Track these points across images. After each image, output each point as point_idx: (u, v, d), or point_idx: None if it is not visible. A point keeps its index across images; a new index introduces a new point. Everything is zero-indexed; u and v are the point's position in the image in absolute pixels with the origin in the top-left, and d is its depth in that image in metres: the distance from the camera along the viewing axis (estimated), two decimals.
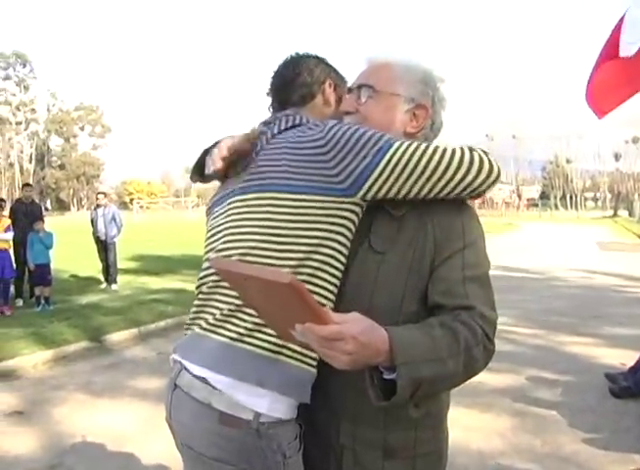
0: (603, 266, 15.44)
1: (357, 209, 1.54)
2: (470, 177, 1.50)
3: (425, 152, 1.47)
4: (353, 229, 1.56)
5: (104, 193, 13.49)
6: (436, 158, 1.47)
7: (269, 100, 1.89)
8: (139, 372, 6.30)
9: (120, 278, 12.50)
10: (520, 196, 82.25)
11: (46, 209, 55.24)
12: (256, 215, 1.56)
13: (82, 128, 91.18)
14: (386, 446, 1.55)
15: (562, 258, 18.06)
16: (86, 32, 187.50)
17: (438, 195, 1.50)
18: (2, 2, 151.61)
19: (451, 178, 1.48)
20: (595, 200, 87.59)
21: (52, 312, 9.22)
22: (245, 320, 1.52)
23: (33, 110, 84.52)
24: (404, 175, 1.47)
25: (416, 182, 1.48)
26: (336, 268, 1.54)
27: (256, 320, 1.50)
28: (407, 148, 1.47)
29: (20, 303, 10.17)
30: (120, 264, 13.25)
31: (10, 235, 9.63)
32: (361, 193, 1.50)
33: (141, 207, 76.73)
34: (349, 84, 1.74)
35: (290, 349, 1.51)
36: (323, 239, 1.52)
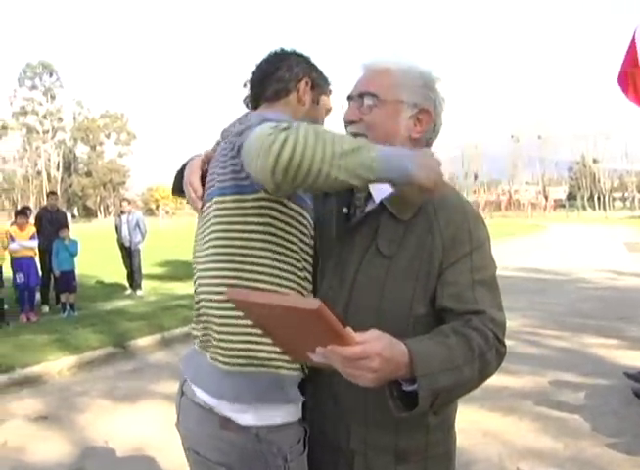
0: (631, 268, 15.24)
1: (271, 203, 1.54)
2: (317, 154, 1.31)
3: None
4: (282, 220, 1.56)
5: (128, 200, 13.64)
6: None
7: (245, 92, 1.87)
8: (162, 377, 6.34)
9: (146, 284, 12.62)
10: (546, 197, 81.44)
11: (73, 216, 55.99)
12: (210, 221, 1.63)
13: (108, 136, 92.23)
14: (397, 451, 1.55)
15: (589, 259, 17.82)
16: (110, 41, 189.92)
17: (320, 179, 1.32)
18: (29, 13, 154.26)
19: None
20: (623, 200, 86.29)
21: (77, 319, 9.34)
22: (214, 338, 1.60)
23: (60, 118, 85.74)
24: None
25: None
26: (281, 261, 1.56)
27: (223, 337, 1.57)
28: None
29: (45, 309, 10.31)
30: (146, 270, 13.37)
31: (35, 243, 9.78)
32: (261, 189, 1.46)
33: (167, 213, 77.39)
34: (351, 92, 1.68)
35: (258, 358, 1.54)
36: (254, 232, 1.54)
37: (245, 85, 1.86)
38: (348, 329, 1.22)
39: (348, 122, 1.64)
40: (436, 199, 1.55)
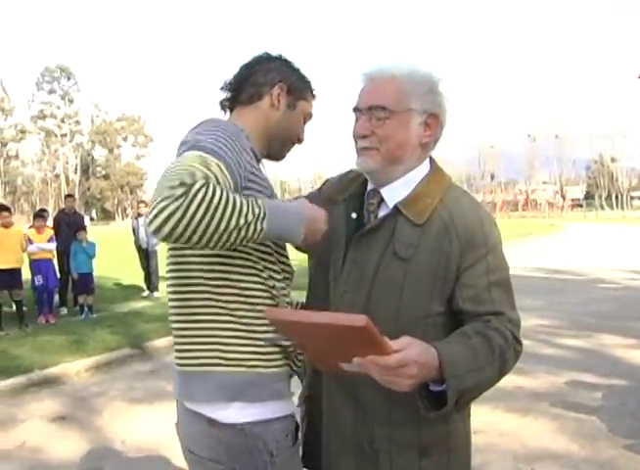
0: None
1: None
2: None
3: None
4: None
5: (145, 202, 13.71)
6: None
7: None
8: None
9: (162, 286, 12.68)
10: (564, 196, 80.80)
11: (91, 218, 56.38)
12: None
13: (125, 139, 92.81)
14: (420, 445, 1.59)
15: (607, 258, 17.67)
16: (126, 44, 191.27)
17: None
18: (46, 18, 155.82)
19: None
20: None
21: (95, 320, 9.42)
22: (176, 343, 1.71)
23: (78, 122, 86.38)
24: None
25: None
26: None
27: (180, 341, 1.68)
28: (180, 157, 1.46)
29: (64, 311, 10.41)
30: (163, 272, 13.43)
31: (53, 245, 9.87)
32: None
33: None
34: (357, 104, 1.66)
35: (227, 358, 1.60)
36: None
37: (222, 88, 1.84)
38: (385, 338, 1.28)
39: (360, 137, 1.63)
40: (451, 202, 1.59)
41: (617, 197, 77.45)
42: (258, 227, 1.42)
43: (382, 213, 1.65)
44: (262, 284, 1.63)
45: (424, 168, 1.67)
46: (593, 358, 6.67)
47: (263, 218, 1.43)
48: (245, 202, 1.41)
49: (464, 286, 1.54)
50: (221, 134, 1.54)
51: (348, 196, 1.75)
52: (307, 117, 1.88)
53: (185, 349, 1.67)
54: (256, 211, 1.42)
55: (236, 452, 1.61)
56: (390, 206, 1.62)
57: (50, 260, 9.93)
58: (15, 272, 9.13)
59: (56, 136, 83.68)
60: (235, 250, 1.57)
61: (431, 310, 1.55)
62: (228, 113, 1.83)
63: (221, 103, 1.84)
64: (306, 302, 1.82)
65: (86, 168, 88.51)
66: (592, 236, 29.43)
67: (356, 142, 1.65)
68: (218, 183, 1.41)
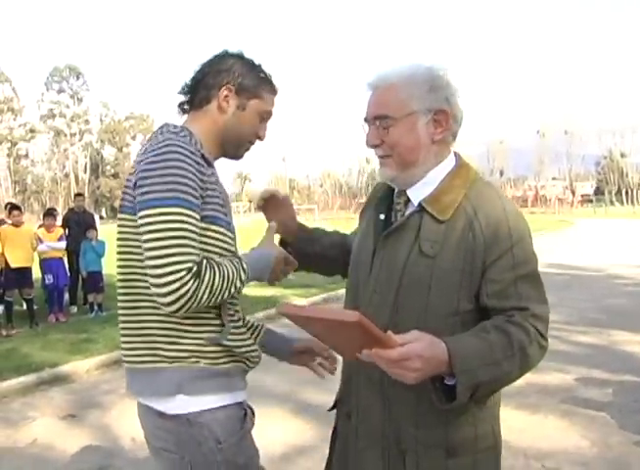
0: None
1: None
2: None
3: (157, 237, 1.57)
4: None
5: None
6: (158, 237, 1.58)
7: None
8: None
9: None
10: (573, 192, 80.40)
11: (101, 217, 56.60)
12: (116, 236, 1.79)
13: (134, 137, 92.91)
14: (448, 446, 1.58)
15: (617, 254, 17.56)
16: (134, 43, 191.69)
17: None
18: (55, 18, 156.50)
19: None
20: None
21: (105, 318, 9.44)
22: (123, 342, 1.79)
23: (87, 121, 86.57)
24: (142, 237, 1.61)
25: (143, 244, 1.61)
26: None
27: (126, 340, 1.77)
28: (154, 219, 1.58)
29: (74, 309, 10.46)
30: None
31: (63, 244, 9.92)
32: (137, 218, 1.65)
33: None
34: (365, 115, 1.68)
35: (167, 357, 1.69)
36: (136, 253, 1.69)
37: (179, 92, 1.88)
38: (389, 333, 1.33)
39: (371, 147, 1.67)
40: (475, 196, 1.59)
41: (626, 192, 76.98)
42: (243, 286, 1.70)
43: (409, 211, 1.66)
44: None
45: (447, 165, 1.67)
46: (603, 354, 6.64)
47: (246, 278, 1.70)
48: (234, 270, 1.66)
49: (490, 281, 1.53)
50: (174, 170, 1.60)
51: (377, 199, 1.80)
52: (264, 114, 1.87)
53: (130, 347, 1.75)
54: (243, 276, 1.69)
55: (184, 442, 1.69)
56: (416, 204, 1.64)
57: (60, 259, 9.98)
58: (25, 271, 9.18)
59: (65, 135, 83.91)
60: None
61: (458, 308, 1.55)
62: (185, 116, 1.88)
63: (179, 106, 1.88)
64: (344, 304, 1.84)
65: (95, 167, 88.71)
66: (602, 232, 29.25)
67: (374, 151, 1.69)
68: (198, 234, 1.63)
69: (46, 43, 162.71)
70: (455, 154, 1.71)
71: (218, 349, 1.72)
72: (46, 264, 9.77)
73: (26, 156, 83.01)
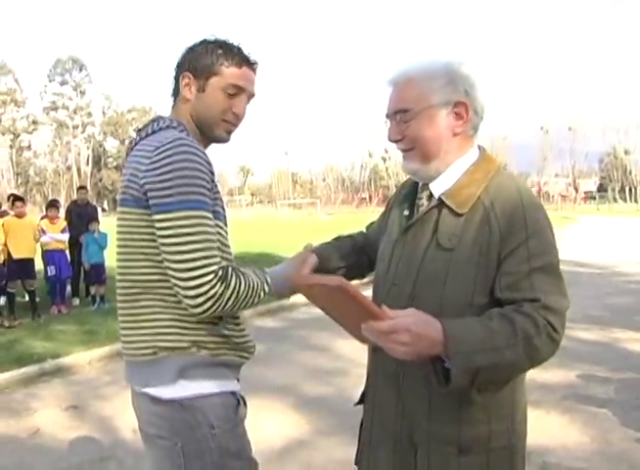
0: None
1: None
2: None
3: (179, 241, 1.59)
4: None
5: None
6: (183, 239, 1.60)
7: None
8: None
9: None
10: (576, 189, 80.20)
11: (103, 209, 56.59)
12: (116, 229, 1.79)
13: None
14: (460, 442, 1.58)
15: (620, 252, 17.52)
16: (136, 35, 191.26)
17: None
18: (58, 9, 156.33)
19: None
20: None
21: (107, 310, 9.45)
22: (123, 335, 1.81)
23: (90, 113, 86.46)
24: (163, 240, 1.62)
25: (166, 247, 1.61)
26: None
27: (127, 332, 1.78)
28: (177, 223, 1.60)
29: (76, 301, 10.46)
30: None
31: (66, 236, 9.91)
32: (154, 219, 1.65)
33: None
34: (386, 111, 1.70)
35: (167, 347, 1.71)
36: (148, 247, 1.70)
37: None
38: (383, 307, 1.39)
39: (394, 142, 1.69)
40: (494, 189, 1.60)
41: (630, 190, 76.77)
42: (266, 289, 1.75)
43: (430, 205, 1.67)
44: None
45: (469, 158, 1.68)
46: (605, 352, 6.64)
47: (269, 289, 1.75)
48: (258, 281, 1.71)
49: (504, 274, 1.53)
50: (192, 171, 1.62)
51: (403, 195, 1.82)
52: (228, 89, 1.80)
53: (130, 340, 1.77)
54: (266, 288, 1.74)
55: (178, 427, 1.70)
56: (436, 196, 1.65)
57: (63, 251, 9.98)
58: (28, 262, 9.18)
59: (68, 127, 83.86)
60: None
61: (473, 302, 1.55)
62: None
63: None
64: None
65: (98, 160, 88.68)
66: (605, 229, 29.18)
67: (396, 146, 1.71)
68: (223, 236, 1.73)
69: (49, 35, 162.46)
70: (479, 147, 1.72)
71: (217, 339, 1.75)
72: (49, 256, 9.77)
73: (29, 147, 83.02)
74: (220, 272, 1.60)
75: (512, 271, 1.52)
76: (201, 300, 1.57)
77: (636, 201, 70.81)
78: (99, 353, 6.98)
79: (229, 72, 1.79)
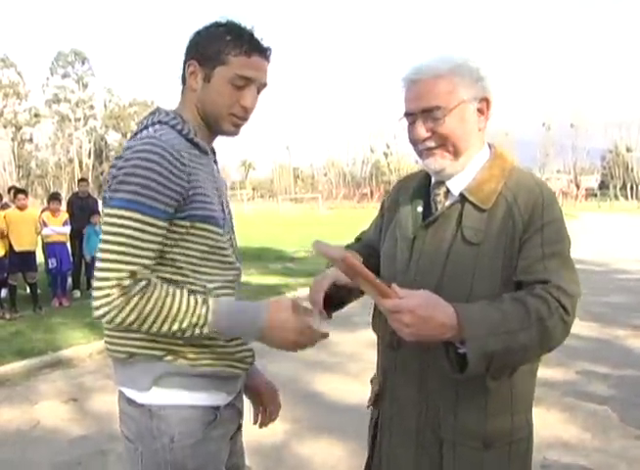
0: None
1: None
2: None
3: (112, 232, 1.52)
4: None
5: None
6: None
7: None
8: None
9: None
10: (578, 186, 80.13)
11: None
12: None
13: None
14: (485, 436, 1.59)
15: (621, 249, 17.54)
16: (138, 28, 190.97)
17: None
18: (60, 3, 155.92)
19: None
20: None
21: None
22: (105, 335, 1.74)
23: (92, 106, 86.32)
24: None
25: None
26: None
27: (107, 333, 1.71)
28: (110, 220, 1.53)
29: (77, 294, 10.47)
30: None
31: (67, 229, 9.90)
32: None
33: None
34: (407, 109, 1.64)
35: (145, 354, 1.64)
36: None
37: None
38: (393, 286, 1.40)
39: (421, 140, 1.64)
40: (514, 184, 1.62)
41: (631, 187, 76.67)
42: (197, 332, 1.55)
43: (449, 202, 1.67)
44: (190, 286, 1.63)
45: (484, 154, 1.70)
46: (605, 349, 6.65)
47: (203, 325, 1.54)
48: (185, 308, 1.53)
49: (520, 259, 1.55)
50: (145, 171, 1.53)
51: (412, 192, 1.79)
52: (235, 80, 1.66)
53: (110, 342, 1.70)
54: (194, 320, 1.53)
55: (142, 433, 1.66)
56: (456, 194, 1.65)
57: (64, 244, 9.97)
58: (29, 255, 9.18)
59: (70, 120, 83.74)
60: (161, 259, 1.60)
61: (500, 294, 1.54)
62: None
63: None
64: None
65: (100, 153, 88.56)
66: (606, 226, 29.17)
67: (417, 145, 1.66)
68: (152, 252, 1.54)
69: (52, 28, 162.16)
70: (489, 144, 1.73)
71: (197, 349, 1.64)
72: (50, 249, 9.77)
73: (31, 140, 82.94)
74: (127, 282, 1.48)
75: (526, 256, 1.54)
76: (96, 303, 1.51)
77: (637, 198, 70.72)
78: (99, 346, 6.94)
79: (237, 62, 1.65)
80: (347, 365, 5.86)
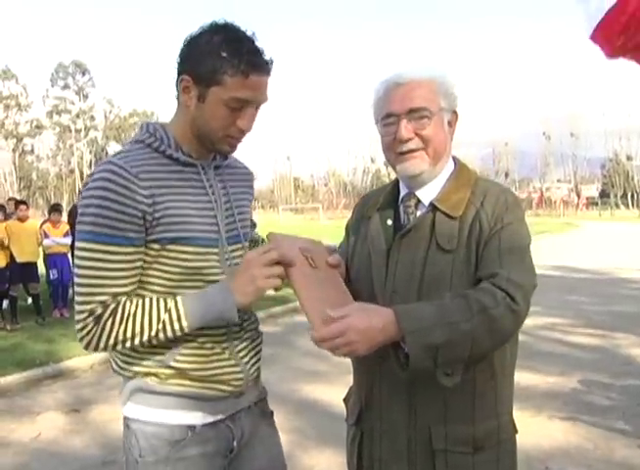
0: None
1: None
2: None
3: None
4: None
5: None
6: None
7: None
8: None
9: None
10: (579, 195, 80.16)
11: None
12: None
13: None
14: (475, 440, 1.62)
15: (622, 258, 17.51)
16: (138, 39, 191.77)
17: None
18: (61, 13, 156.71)
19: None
20: None
21: None
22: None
23: (92, 117, 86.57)
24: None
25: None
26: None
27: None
28: (76, 253, 1.58)
29: None
30: None
31: (69, 240, 9.91)
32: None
33: None
34: (392, 109, 1.64)
35: (129, 369, 1.69)
36: None
37: None
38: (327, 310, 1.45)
39: (404, 141, 1.64)
40: (480, 193, 1.66)
41: (632, 196, 76.71)
42: (177, 327, 1.56)
43: (421, 212, 1.71)
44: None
45: (450, 166, 1.75)
46: (607, 358, 6.63)
47: (178, 319, 1.55)
48: (147, 314, 1.55)
49: (481, 258, 1.59)
50: (96, 200, 1.51)
51: (380, 205, 1.81)
52: (231, 102, 1.55)
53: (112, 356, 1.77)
54: (164, 316, 1.55)
55: (125, 443, 1.73)
56: (427, 204, 1.69)
57: (65, 255, 9.99)
58: (31, 266, 9.20)
59: (71, 131, 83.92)
60: (140, 281, 1.62)
61: None
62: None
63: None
64: None
65: None
66: (607, 235, 29.17)
67: (397, 147, 1.66)
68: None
69: (52, 39, 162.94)
70: (453, 157, 1.78)
71: (168, 371, 1.64)
72: (51, 260, 9.79)
73: (32, 151, 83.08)
74: (99, 311, 1.53)
75: (485, 255, 1.58)
76: (79, 335, 1.56)
77: (638, 207, 70.78)
78: (101, 357, 6.94)
79: (233, 84, 1.52)
80: (348, 376, 5.83)
